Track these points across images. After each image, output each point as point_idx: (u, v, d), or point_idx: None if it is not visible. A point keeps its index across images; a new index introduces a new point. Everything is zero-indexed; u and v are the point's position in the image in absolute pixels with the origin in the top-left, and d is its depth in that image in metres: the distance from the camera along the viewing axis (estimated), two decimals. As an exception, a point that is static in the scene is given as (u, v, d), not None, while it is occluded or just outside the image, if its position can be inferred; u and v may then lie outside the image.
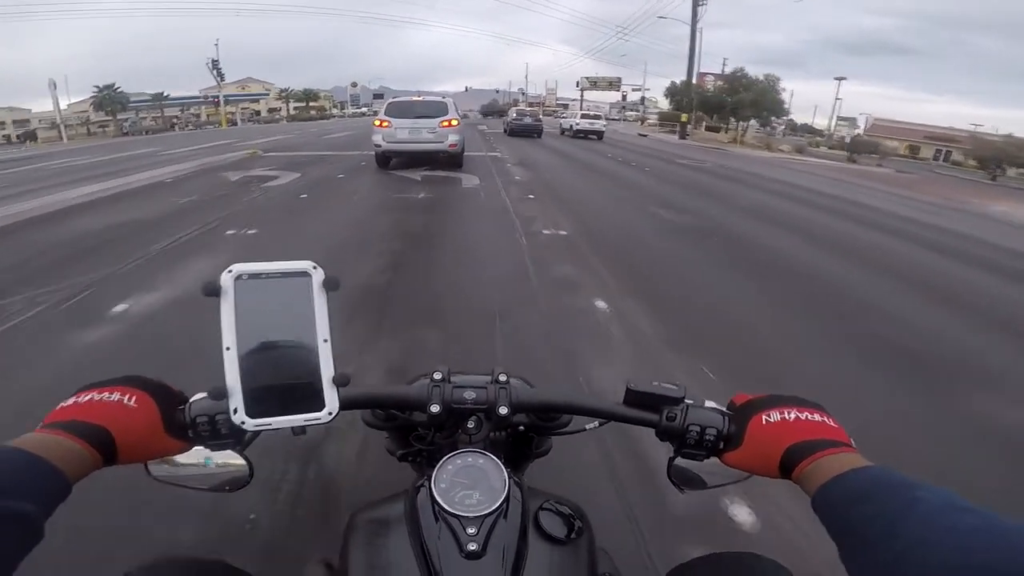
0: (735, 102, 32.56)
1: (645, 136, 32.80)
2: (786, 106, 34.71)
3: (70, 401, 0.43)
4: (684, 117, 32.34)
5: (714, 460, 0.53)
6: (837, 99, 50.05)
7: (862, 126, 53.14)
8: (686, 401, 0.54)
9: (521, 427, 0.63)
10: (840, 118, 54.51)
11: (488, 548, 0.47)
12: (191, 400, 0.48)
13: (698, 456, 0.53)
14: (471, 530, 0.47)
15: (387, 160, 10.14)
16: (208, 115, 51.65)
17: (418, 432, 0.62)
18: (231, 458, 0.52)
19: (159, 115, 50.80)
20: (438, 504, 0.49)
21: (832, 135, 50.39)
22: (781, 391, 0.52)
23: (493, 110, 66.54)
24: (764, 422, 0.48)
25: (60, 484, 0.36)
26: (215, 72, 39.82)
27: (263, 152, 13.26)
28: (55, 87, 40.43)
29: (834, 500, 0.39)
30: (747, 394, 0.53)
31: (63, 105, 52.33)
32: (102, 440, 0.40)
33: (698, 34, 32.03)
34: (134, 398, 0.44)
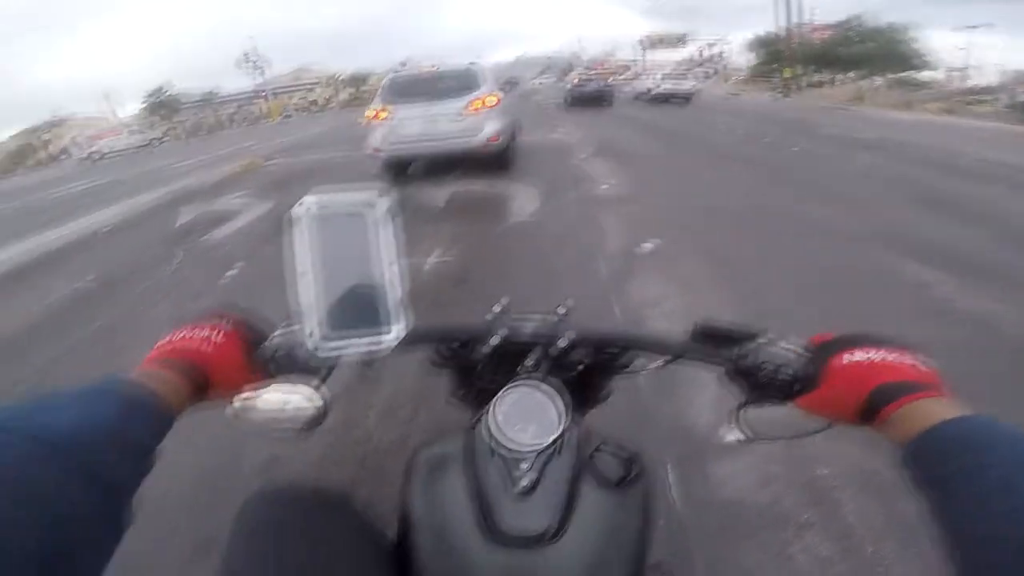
0: (857, 54, 25.83)
1: (737, 95, 27.10)
2: (927, 59, 27.16)
3: (166, 339, 0.45)
4: (788, 72, 26.19)
5: (787, 410, 0.47)
6: (960, 49, 39.84)
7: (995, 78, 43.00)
8: (759, 340, 0.48)
9: (581, 365, 0.57)
10: (950, 69, 44.96)
11: (540, 485, 0.47)
12: (273, 335, 0.49)
13: (770, 399, 0.47)
14: (524, 465, 0.47)
15: (400, 167, 6.54)
16: (262, 110, 51.04)
17: (478, 371, 0.60)
18: (307, 394, 0.50)
19: (213, 114, 50.92)
20: (493, 438, 0.49)
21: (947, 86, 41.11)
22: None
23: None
24: (846, 362, 0.43)
25: (168, 416, 0.38)
26: (251, 65, 38.36)
27: (265, 161, 10.31)
28: (109, 98, 41.15)
29: (934, 451, 0.33)
30: (829, 333, 0.47)
31: (135, 111, 53.92)
32: (197, 375, 0.42)
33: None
34: (222, 333, 0.46)
